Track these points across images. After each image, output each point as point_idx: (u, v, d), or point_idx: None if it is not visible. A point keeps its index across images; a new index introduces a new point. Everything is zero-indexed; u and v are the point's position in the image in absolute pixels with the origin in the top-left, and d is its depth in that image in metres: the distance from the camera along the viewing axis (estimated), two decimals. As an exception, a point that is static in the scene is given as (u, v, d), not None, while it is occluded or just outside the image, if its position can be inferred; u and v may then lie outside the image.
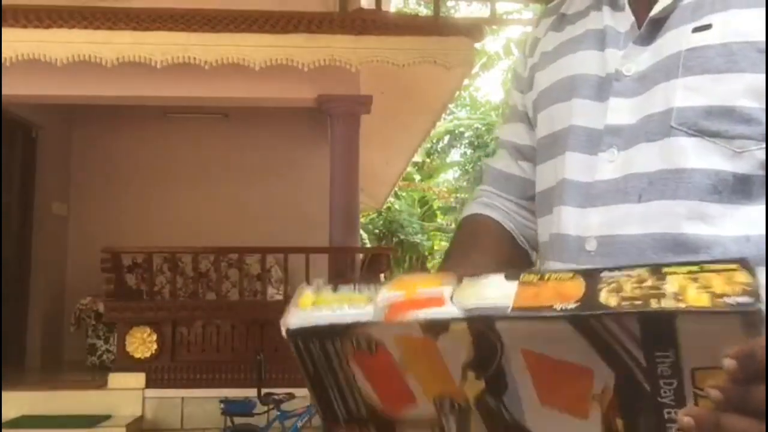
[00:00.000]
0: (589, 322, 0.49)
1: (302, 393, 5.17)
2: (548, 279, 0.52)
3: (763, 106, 0.71)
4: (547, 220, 0.85)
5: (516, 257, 0.95)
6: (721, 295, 0.45)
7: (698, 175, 0.73)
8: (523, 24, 8.33)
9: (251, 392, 5.06)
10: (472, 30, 5.78)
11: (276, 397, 4.88)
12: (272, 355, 5.52)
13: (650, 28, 0.80)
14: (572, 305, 0.49)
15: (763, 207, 0.72)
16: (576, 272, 0.52)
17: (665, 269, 0.49)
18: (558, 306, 0.49)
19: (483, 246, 0.94)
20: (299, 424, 4.94)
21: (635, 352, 0.49)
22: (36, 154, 7.27)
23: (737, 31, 0.73)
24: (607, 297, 0.48)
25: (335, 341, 0.57)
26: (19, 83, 5.57)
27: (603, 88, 0.82)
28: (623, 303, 0.48)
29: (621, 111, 0.79)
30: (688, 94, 0.74)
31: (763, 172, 0.72)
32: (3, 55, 5.20)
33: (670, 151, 0.75)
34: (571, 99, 0.85)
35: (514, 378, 0.53)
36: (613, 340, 0.49)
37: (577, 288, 0.50)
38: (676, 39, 0.77)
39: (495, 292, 0.52)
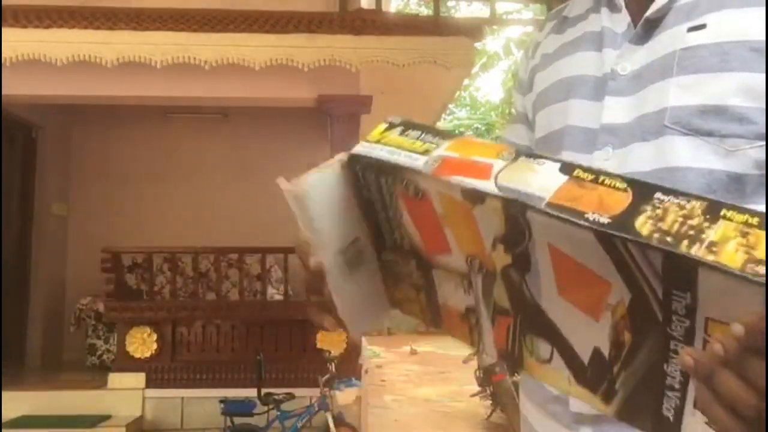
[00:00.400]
0: (613, 242, 0.48)
1: (302, 393, 5.18)
2: (601, 182, 0.51)
3: (756, 105, 0.72)
4: None
5: None
6: (758, 261, 0.43)
7: (692, 174, 0.74)
8: (523, 24, 8.34)
9: (251, 392, 5.06)
10: (472, 30, 5.78)
11: (276, 397, 4.89)
12: (272, 355, 5.53)
13: (645, 27, 0.81)
14: (605, 219, 0.48)
15: (758, 207, 0.72)
16: (631, 184, 0.50)
17: (724, 211, 0.46)
18: (590, 216, 0.48)
19: None
20: (299, 424, 4.94)
21: (654, 284, 0.48)
22: (36, 154, 7.27)
23: (730, 31, 0.74)
24: (643, 223, 0.47)
25: (387, 178, 0.60)
26: (19, 83, 5.57)
27: (599, 87, 0.83)
28: (655, 235, 0.46)
29: (616, 110, 0.80)
30: (682, 93, 0.75)
31: (756, 172, 0.73)
32: (3, 55, 5.20)
33: (665, 150, 0.75)
34: (568, 99, 0.86)
35: (537, 263, 0.54)
36: (635, 266, 0.48)
37: (621, 201, 0.49)
38: (672, 38, 0.78)
39: (539, 180, 0.52)
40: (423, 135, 0.60)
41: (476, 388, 7.18)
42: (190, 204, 7.68)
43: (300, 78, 5.65)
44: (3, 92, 5.42)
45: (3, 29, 5.18)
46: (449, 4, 14.57)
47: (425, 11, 12.11)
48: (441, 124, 17.42)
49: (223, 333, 5.81)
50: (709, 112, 0.73)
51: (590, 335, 0.54)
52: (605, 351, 0.54)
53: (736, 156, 0.73)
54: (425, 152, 0.58)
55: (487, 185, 0.53)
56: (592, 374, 0.56)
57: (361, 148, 0.62)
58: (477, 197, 0.54)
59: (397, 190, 0.60)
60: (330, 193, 0.65)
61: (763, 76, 0.72)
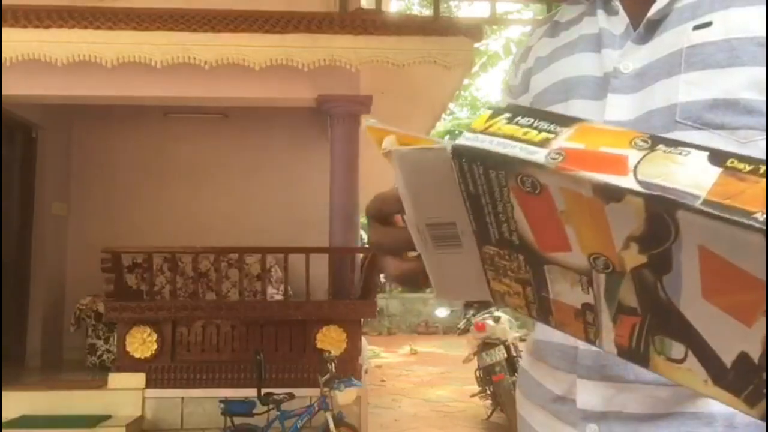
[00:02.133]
0: None
1: (302, 393, 5.18)
2: (762, 173, 0.44)
3: (766, 98, 0.73)
4: None
5: None
6: None
7: None
8: (523, 24, 8.33)
9: (251, 392, 5.06)
10: (472, 30, 5.78)
11: (276, 397, 4.88)
12: (272, 355, 5.53)
13: (647, 28, 0.82)
14: None
15: None
16: None
17: None
18: (759, 215, 0.43)
19: None
20: (299, 424, 4.94)
21: None
22: (36, 154, 7.27)
23: (737, 27, 0.75)
24: None
25: (499, 172, 0.54)
26: (19, 83, 5.58)
27: (601, 86, 0.84)
28: None
29: (619, 107, 0.81)
30: (691, 88, 0.76)
31: None
32: (3, 55, 5.19)
33: None
34: (568, 100, 0.87)
35: (680, 265, 0.49)
36: None
37: None
38: (676, 37, 0.79)
39: (688, 174, 0.46)
40: (536, 122, 0.54)
41: (476, 388, 7.18)
42: (190, 204, 7.68)
43: (300, 78, 5.65)
44: (3, 92, 5.42)
45: (3, 29, 5.18)
46: (452, 3, 14.57)
47: (425, 11, 12.09)
48: (441, 124, 17.40)
49: (223, 333, 5.81)
50: (719, 106, 0.74)
51: (738, 340, 0.50)
52: (755, 356, 0.50)
53: (748, 147, 0.74)
54: (543, 143, 0.52)
55: (626, 181, 0.48)
56: (735, 377, 0.52)
57: (466, 140, 0.55)
58: (613, 195, 0.48)
59: (511, 185, 0.54)
60: (430, 171, 0.58)
61: None
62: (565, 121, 0.54)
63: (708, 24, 0.77)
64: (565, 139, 0.52)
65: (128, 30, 5.39)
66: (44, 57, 5.24)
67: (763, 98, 0.73)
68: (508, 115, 0.56)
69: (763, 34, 0.74)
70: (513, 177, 0.53)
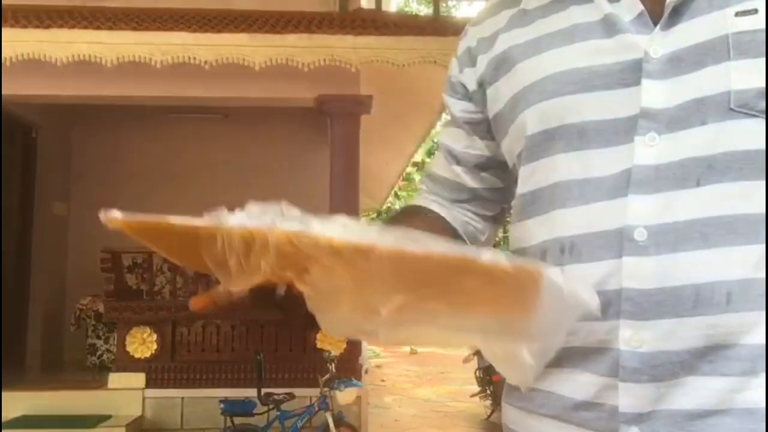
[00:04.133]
0: None
1: (302, 393, 5.17)
2: None
3: None
4: (545, 220, 0.82)
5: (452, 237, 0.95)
6: None
7: (761, 155, 0.73)
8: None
9: (251, 392, 5.06)
10: (472, 30, 5.78)
11: (276, 397, 4.88)
12: (272, 355, 5.53)
13: (671, 14, 0.79)
14: None
15: None
16: None
17: None
18: None
19: (420, 222, 0.94)
20: (299, 424, 4.94)
21: None
22: (36, 154, 7.27)
23: None
24: None
25: None
26: (19, 83, 5.57)
27: (626, 73, 0.79)
28: None
29: (657, 93, 0.78)
30: (746, 76, 0.74)
31: None
32: (3, 55, 5.19)
33: (731, 134, 0.74)
34: (580, 92, 0.81)
35: None
36: None
37: None
38: (714, 23, 0.77)
39: None
40: None
41: (476, 388, 7.18)
42: (190, 204, 7.59)
43: (300, 78, 5.65)
44: (3, 92, 5.42)
45: (3, 29, 5.17)
46: (450, 3, 14.54)
47: (426, 10, 12.07)
48: (441, 124, 17.38)
49: (223, 333, 5.81)
50: None
51: None
52: None
53: None
54: None
55: None
56: None
57: None
58: None
59: None
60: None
61: None
62: None
63: (753, 11, 0.75)
64: None
65: (128, 30, 5.39)
66: (44, 57, 5.24)
67: None
68: None
69: None
70: None
